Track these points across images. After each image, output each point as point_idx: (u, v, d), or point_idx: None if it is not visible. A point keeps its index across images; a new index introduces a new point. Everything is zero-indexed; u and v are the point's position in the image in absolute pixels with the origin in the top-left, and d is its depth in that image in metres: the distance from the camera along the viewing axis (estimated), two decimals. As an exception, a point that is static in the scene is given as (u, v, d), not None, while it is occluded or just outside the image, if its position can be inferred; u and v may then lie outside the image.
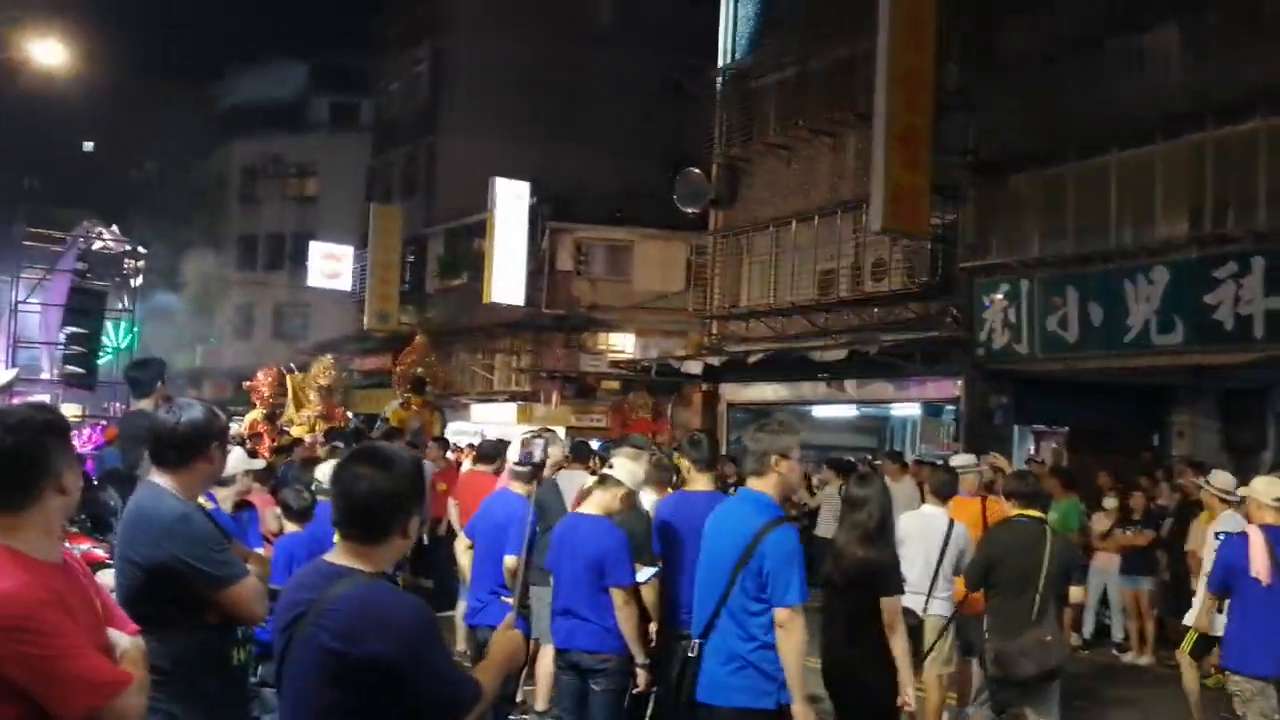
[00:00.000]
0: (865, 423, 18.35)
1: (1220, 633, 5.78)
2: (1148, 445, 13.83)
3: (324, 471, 5.45)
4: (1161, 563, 9.98)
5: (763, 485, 4.08)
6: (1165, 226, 11.90)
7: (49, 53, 17.99)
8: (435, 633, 2.45)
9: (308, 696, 2.42)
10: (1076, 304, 12.43)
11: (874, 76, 13.97)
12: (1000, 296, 13.33)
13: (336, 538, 2.53)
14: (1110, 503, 10.34)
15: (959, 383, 14.03)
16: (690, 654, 4.07)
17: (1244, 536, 5.44)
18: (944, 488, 6.64)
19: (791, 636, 3.84)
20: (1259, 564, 5.22)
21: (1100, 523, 10.22)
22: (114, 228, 16.21)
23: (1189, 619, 6.90)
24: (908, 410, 16.79)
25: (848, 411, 17.65)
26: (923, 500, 7.17)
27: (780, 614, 3.85)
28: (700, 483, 5.36)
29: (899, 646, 4.53)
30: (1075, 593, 5.99)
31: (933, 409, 15.84)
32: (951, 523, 6.43)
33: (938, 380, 14.50)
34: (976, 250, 13.94)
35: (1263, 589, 5.21)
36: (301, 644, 2.42)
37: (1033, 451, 14.65)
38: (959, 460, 7.46)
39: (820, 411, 18.14)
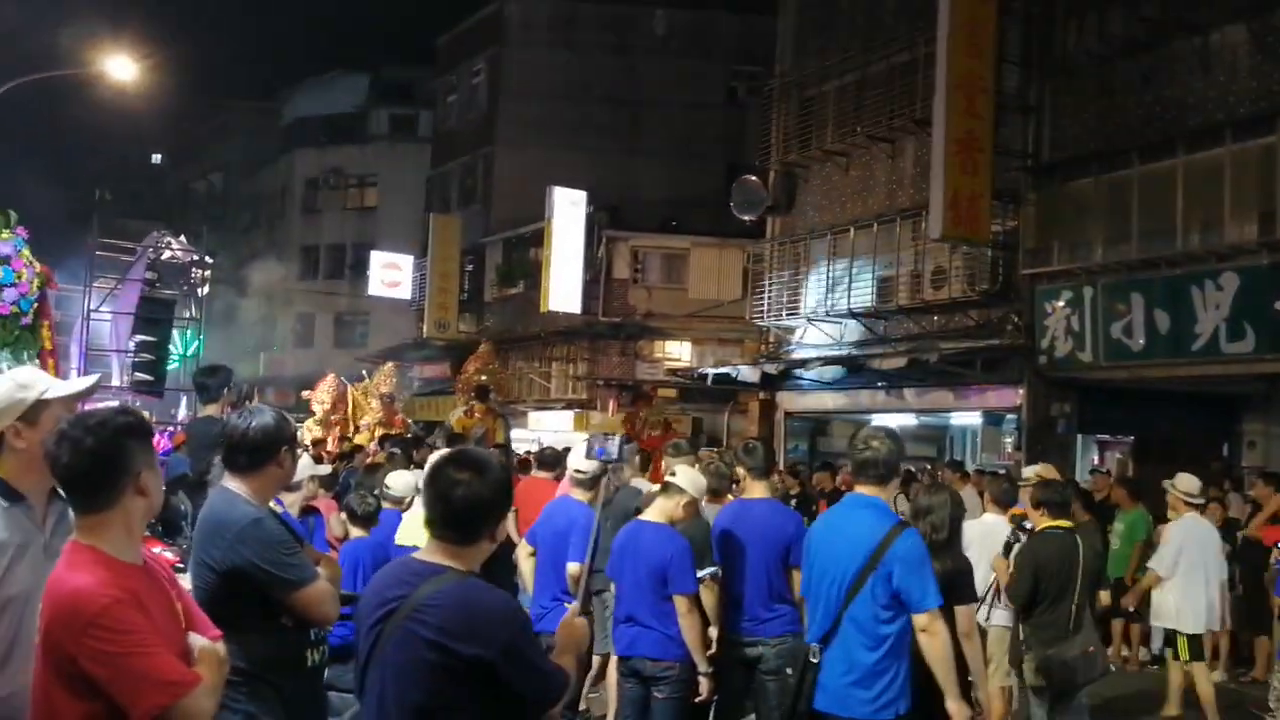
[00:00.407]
0: (925, 432, 18.13)
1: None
2: (1217, 455, 13.48)
3: (394, 480, 5.54)
4: (1235, 575, 9.72)
5: (878, 492, 4.02)
6: (1234, 231, 11.60)
7: (121, 68, 18.58)
8: (529, 628, 2.59)
9: (403, 691, 2.49)
10: (1142, 310, 12.17)
11: (932, 81, 13.86)
12: (1062, 303, 13.11)
13: (427, 537, 2.62)
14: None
15: (1020, 391, 13.80)
16: (813, 659, 3.96)
17: None
18: (1005, 496, 6.57)
19: (937, 639, 3.86)
20: None
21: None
22: (181, 238, 16.61)
23: (1170, 621, 7.28)
24: (968, 419, 16.56)
25: (907, 420, 17.45)
26: (984, 509, 7.06)
27: (921, 619, 3.84)
28: (756, 490, 5.35)
29: (974, 655, 4.50)
30: (1103, 596, 6.53)
31: (994, 418, 15.61)
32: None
33: (999, 389, 14.29)
34: (1038, 256, 13.72)
35: None
36: (396, 641, 2.49)
37: (1097, 462, 14.35)
38: (1026, 471, 7.28)
39: (879, 420, 17.97)
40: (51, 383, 2.82)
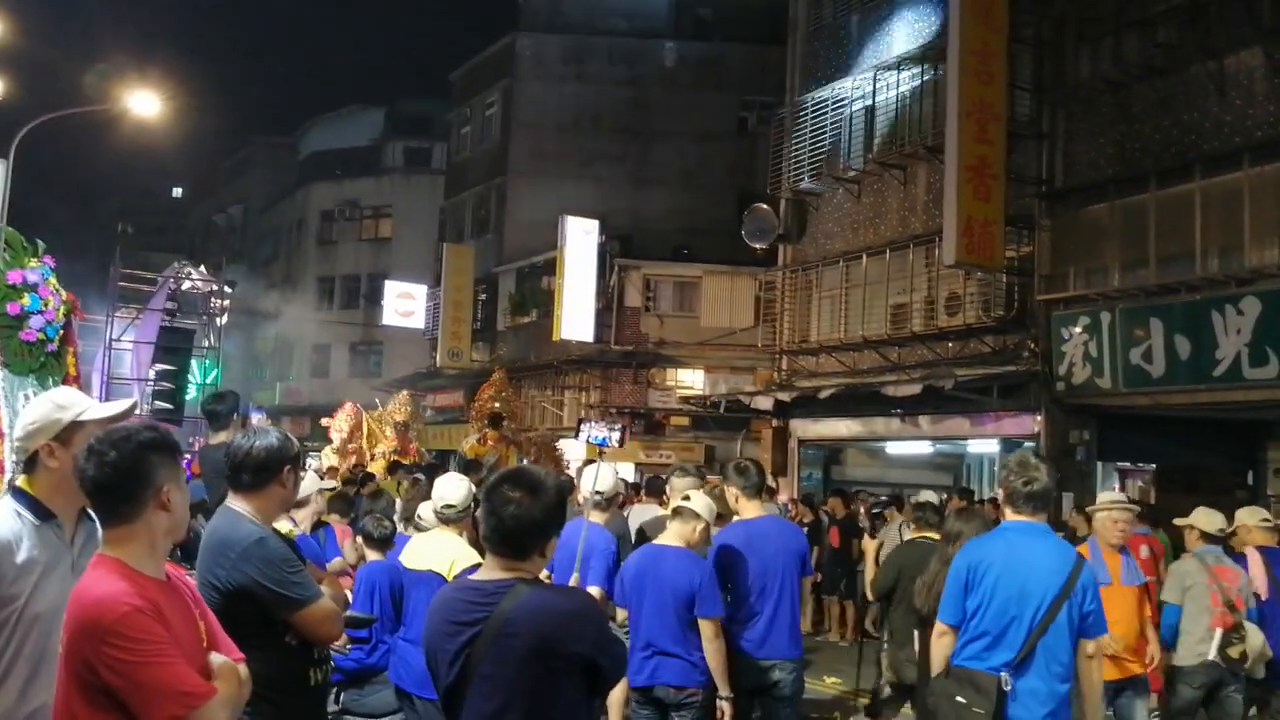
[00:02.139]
0: (941, 460, 17.97)
1: None
2: (1241, 483, 13.29)
3: (425, 510, 5.48)
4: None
5: (1041, 520, 4.04)
6: (1255, 255, 11.50)
7: (144, 104, 18.79)
8: (605, 616, 2.87)
9: (511, 699, 2.60)
10: (1161, 336, 12.05)
11: (943, 108, 13.87)
12: (1079, 329, 13.00)
13: (487, 554, 2.74)
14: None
15: (1038, 418, 13.67)
16: (1005, 687, 3.88)
17: (1242, 557, 6.09)
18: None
19: (1100, 664, 4.01)
20: (1259, 581, 5.92)
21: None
22: (201, 268, 16.71)
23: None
24: (985, 447, 16.41)
25: (923, 448, 17.31)
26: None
27: (1091, 646, 3.96)
28: (752, 510, 5.27)
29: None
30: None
31: (1011, 446, 15.43)
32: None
33: (1016, 416, 14.16)
34: (1053, 282, 13.64)
35: (1263, 605, 5.89)
36: (494, 659, 2.58)
37: (1117, 489, 14.17)
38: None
39: (894, 448, 17.84)
40: (88, 404, 2.85)
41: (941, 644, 4.10)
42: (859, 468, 18.92)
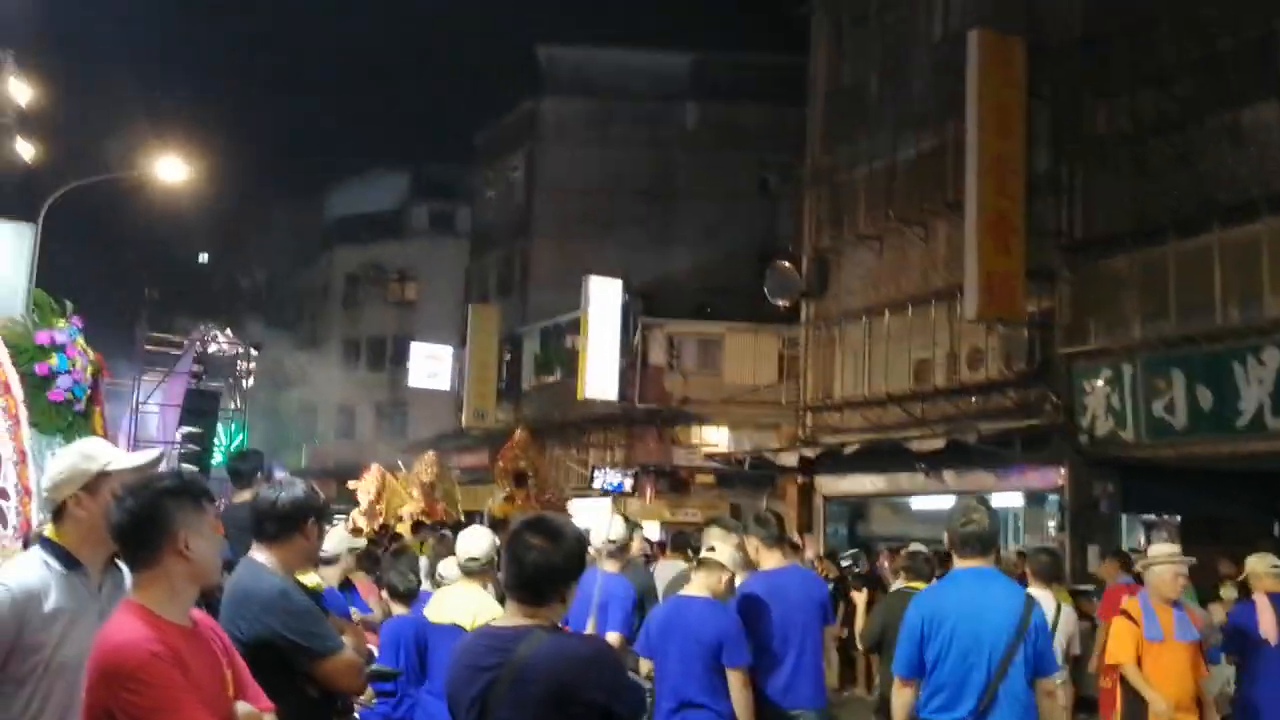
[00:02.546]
0: (967, 515, 17.76)
1: None
2: (1266, 532, 13.08)
3: (447, 566, 5.53)
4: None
5: (986, 563, 4.04)
6: (1274, 305, 11.48)
7: (171, 170, 19.21)
8: (622, 662, 2.87)
9: None
10: (1183, 387, 12.00)
11: (962, 164, 14.01)
12: (1101, 382, 12.96)
13: (508, 600, 2.78)
14: (1229, 593, 9.76)
15: (1062, 471, 13.58)
16: None
17: (1252, 604, 6.10)
18: (1045, 569, 6.44)
19: (1057, 701, 4.14)
20: (1267, 626, 5.88)
21: (1217, 613, 9.65)
22: (228, 331, 16.98)
23: None
24: (1010, 500, 16.25)
25: (947, 503, 17.16)
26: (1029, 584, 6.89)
27: (1048, 683, 3.99)
28: (772, 560, 5.29)
29: (1057, 713, 4.47)
30: None
31: (1036, 499, 15.31)
32: (1059, 606, 6.23)
33: (1040, 469, 14.06)
34: (1074, 335, 13.63)
35: (1272, 650, 5.81)
36: (511, 704, 2.61)
37: (1142, 541, 13.99)
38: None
39: (919, 503, 17.69)
40: (115, 455, 2.92)
41: (902, 697, 4.09)
42: (884, 523, 18.76)
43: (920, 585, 6.41)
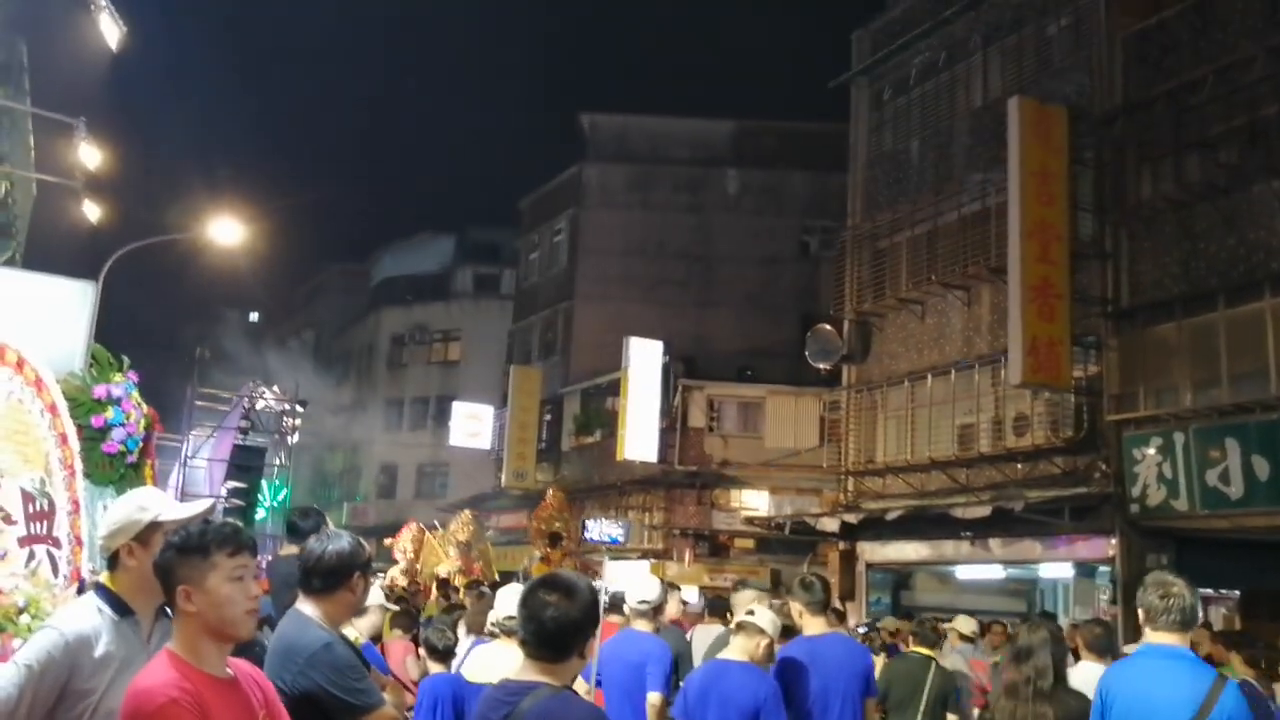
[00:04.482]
0: (1013, 585, 17.41)
1: None
2: (1332, 609, 12.66)
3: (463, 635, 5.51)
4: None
5: (1182, 641, 3.75)
6: (1330, 373, 11.24)
7: (226, 232, 19.69)
8: None
9: None
10: (1238, 456, 11.73)
11: (1004, 229, 13.98)
12: (1152, 450, 12.71)
13: (522, 656, 2.82)
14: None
15: (1113, 541, 13.26)
16: None
17: None
18: (1098, 642, 6.23)
19: None
20: None
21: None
22: (275, 388, 17.24)
23: None
24: (1059, 571, 15.88)
25: (994, 572, 16.82)
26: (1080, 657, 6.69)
27: None
28: (816, 626, 5.22)
29: None
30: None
31: (1086, 570, 14.94)
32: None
33: (1089, 539, 13.74)
34: (1123, 402, 13.42)
35: None
36: None
37: (1201, 617, 13.57)
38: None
39: (964, 572, 17.35)
40: (167, 506, 2.99)
41: None
42: (929, 593, 18.39)
43: (926, 650, 7.31)
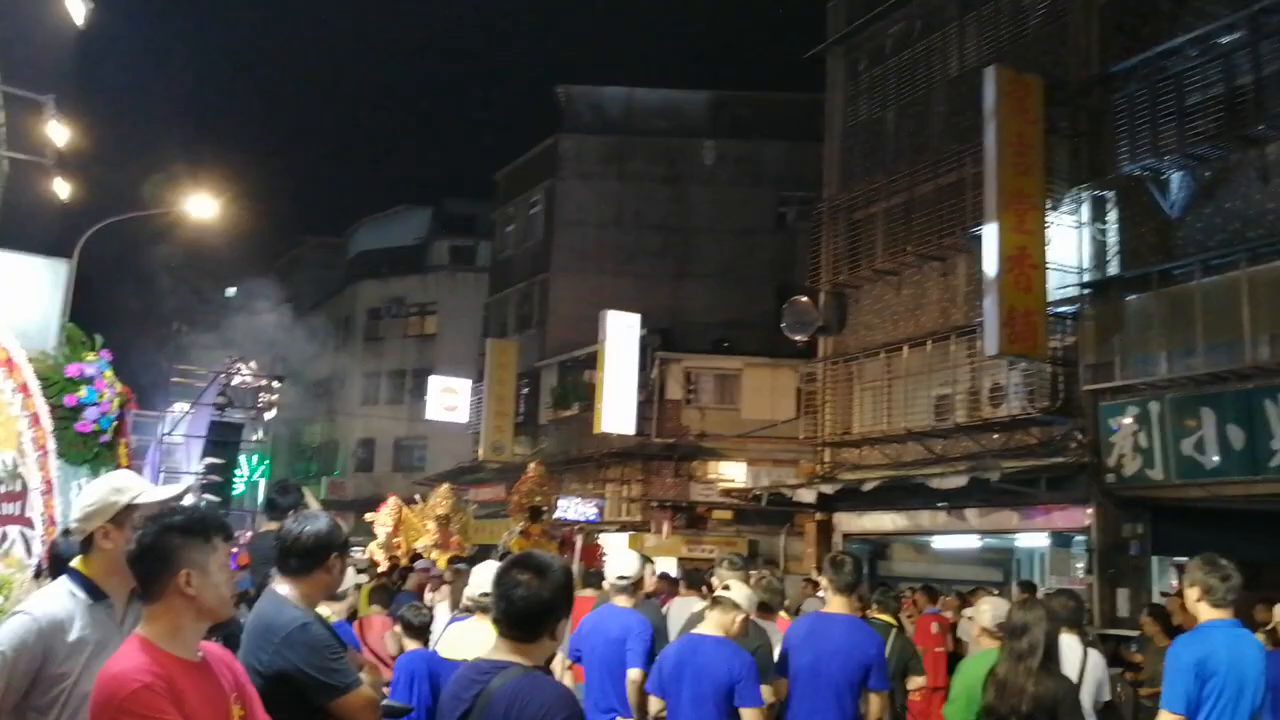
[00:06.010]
0: (989, 554, 17.59)
1: None
2: (1304, 576, 12.83)
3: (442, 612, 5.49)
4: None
5: (1234, 616, 4.29)
6: (1305, 342, 11.34)
7: (201, 206, 19.44)
8: (580, 713, 2.77)
9: None
10: (1214, 426, 11.83)
11: (980, 199, 13.99)
12: (1128, 419, 12.81)
13: (495, 635, 2.80)
14: (1263, 642, 9.54)
15: (1089, 511, 13.38)
16: None
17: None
18: (1069, 614, 6.27)
19: None
20: None
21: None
22: (252, 364, 17.07)
23: None
24: (1035, 541, 16.05)
25: (970, 542, 16.97)
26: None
27: None
28: (836, 605, 5.21)
29: None
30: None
31: (1062, 539, 15.09)
32: (1086, 651, 6.05)
33: (1065, 509, 13.87)
34: (1099, 372, 13.50)
35: None
36: None
37: (1174, 585, 13.74)
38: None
39: (940, 542, 17.51)
40: (144, 489, 2.95)
41: None
42: (906, 563, 18.56)
43: (886, 617, 7.69)
